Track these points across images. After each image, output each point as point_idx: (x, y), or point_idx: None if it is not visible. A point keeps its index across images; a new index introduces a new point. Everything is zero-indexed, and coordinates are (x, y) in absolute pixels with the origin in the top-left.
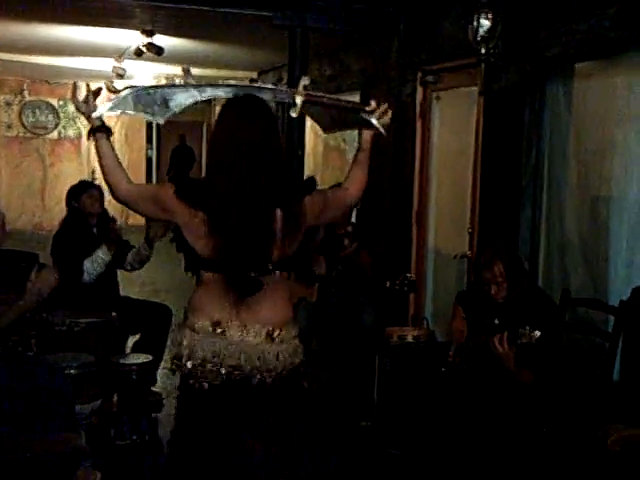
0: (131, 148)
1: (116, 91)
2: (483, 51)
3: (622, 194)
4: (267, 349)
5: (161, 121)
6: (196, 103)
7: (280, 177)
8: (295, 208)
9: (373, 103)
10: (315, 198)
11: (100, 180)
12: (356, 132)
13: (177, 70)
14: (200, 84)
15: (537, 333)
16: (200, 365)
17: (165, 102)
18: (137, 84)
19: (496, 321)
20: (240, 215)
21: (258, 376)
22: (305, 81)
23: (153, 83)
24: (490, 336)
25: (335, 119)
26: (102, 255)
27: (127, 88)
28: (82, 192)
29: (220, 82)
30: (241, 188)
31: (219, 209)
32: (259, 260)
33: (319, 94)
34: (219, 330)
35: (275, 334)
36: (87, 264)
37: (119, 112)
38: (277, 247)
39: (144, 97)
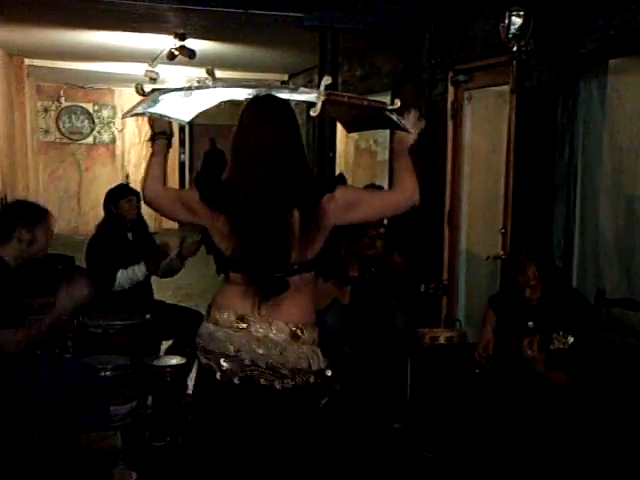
0: None
1: (145, 94)
2: (515, 49)
3: None
4: (289, 347)
5: (185, 121)
6: (220, 104)
7: (297, 178)
8: (312, 209)
9: (398, 102)
10: (341, 194)
11: (134, 184)
12: (387, 133)
13: None
14: (222, 84)
15: (570, 339)
16: (223, 359)
17: (189, 102)
18: (165, 87)
19: (530, 324)
20: (256, 216)
21: (275, 378)
22: (327, 81)
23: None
24: (523, 339)
25: (358, 119)
26: (138, 272)
27: (155, 90)
28: (121, 197)
29: (243, 83)
30: (258, 189)
31: (238, 211)
32: (276, 261)
33: (340, 93)
34: (243, 325)
35: (299, 332)
36: (120, 276)
37: (149, 113)
38: (296, 248)
39: (171, 98)
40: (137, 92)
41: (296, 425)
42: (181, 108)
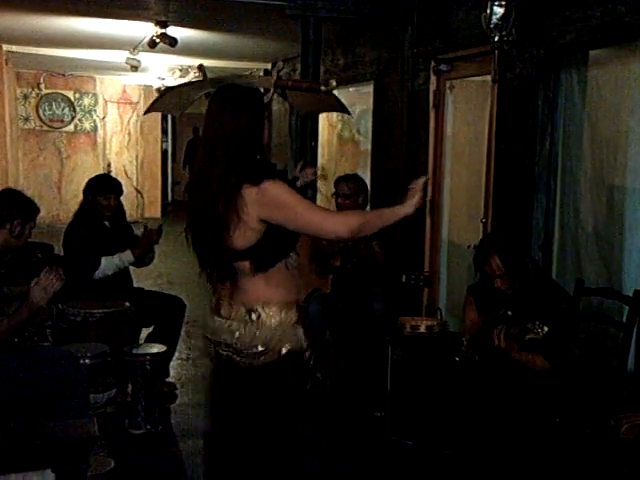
0: (147, 141)
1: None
2: (496, 39)
3: (637, 183)
4: (244, 328)
5: (176, 114)
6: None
7: (231, 166)
8: (229, 196)
9: (333, 82)
10: (270, 189)
11: (115, 172)
12: (370, 124)
13: (191, 61)
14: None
15: (544, 329)
16: (208, 342)
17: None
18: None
19: (509, 312)
20: (193, 203)
21: (236, 356)
22: (279, 67)
23: (168, 75)
24: (502, 326)
25: (309, 103)
26: (124, 259)
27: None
28: (99, 194)
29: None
30: (199, 177)
31: (188, 198)
32: (209, 247)
33: (286, 79)
34: (218, 309)
35: (254, 314)
36: (105, 263)
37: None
38: (229, 236)
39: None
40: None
41: (252, 406)
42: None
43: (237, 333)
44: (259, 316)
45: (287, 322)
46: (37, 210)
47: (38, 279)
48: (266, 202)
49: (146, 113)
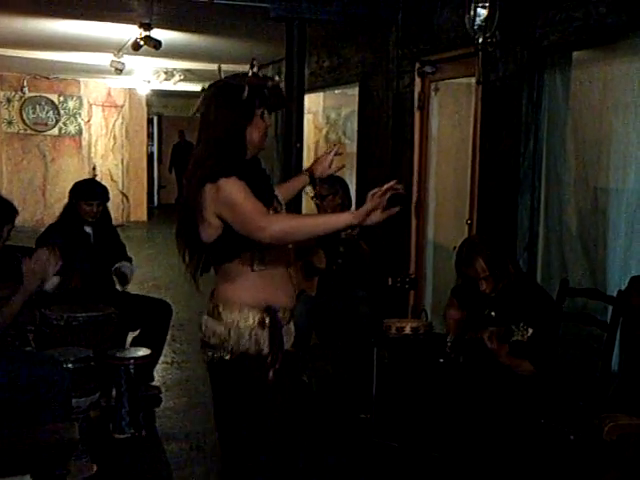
0: (132, 144)
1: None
2: (480, 40)
3: (620, 184)
4: (208, 323)
5: None
6: None
7: (203, 162)
8: (192, 193)
9: (256, 64)
10: (225, 188)
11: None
12: (356, 127)
13: (176, 64)
14: None
15: (529, 330)
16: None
17: None
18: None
19: (493, 314)
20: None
21: (207, 349)
22: (256, 64)
23: (153, 77)
24: (486, 329)
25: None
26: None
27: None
28: (82, 199)
29: None
30: (186, 174)
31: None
32: (185, 240)
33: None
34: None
35: (216, 310)
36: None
37: None
38: (199, 231)
39: None
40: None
41: (220, 402)
42: None
43: (203, 326)
44: (219, 313)
45: (245, 324)
46: (16, 212)
47: (28, 262)
48: (219, 199)
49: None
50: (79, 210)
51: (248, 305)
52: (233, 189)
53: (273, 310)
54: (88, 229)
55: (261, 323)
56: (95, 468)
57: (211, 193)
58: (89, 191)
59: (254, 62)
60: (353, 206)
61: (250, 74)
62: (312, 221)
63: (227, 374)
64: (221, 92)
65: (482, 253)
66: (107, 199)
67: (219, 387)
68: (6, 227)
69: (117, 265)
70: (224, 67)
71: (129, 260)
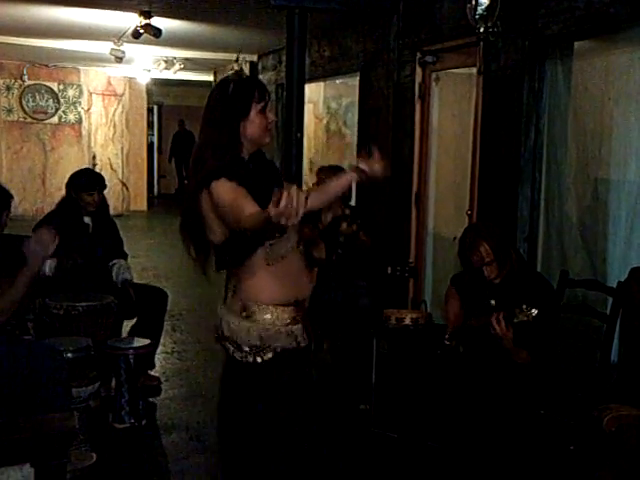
0: (132, 134)
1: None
2: (482, 30)
3: (621, 175)
4: (236, 321)
5: None
6: None
7: (201, 164)
8: (193, 196)
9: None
10: (215, 190)
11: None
12: (356, 117)
13: (176, 53)
14: None
15: (534, 311)
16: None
17: None
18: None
19: (492, 302)
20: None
21: (237, 353)
22: (242, 60)
23: (153, 66)
24: (490, 315)
25: None
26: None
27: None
28: (83, 189)
29: None
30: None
31: None
32: (184, 233)
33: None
34: (225, 297)
35: (246, 311)
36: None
37: None
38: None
39: None
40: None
41: (252, 404)
42: None
43: (232, 325)
44: (253, 313)
45: (280, 321)
46: (11, 197)
47: (29, 243)
48: (214, 202)
49: None
50: (80, 201)
51: (280, 303)
52: (221, 190)
53: (300, 303)
54: (87, 220)
55: (294, 319)
56: (95, 457)
57: (207, 198)
58: (89, 182)
59: (239, 57)
60: (353, 196)
61: (234, 69)
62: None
63: (265, 375)
64: (216, 88)
65: (487, 238)
66: (105, 187)
67: (249, 388)
68: (4, 212)
69: (116, 269)
70: (226, 56)
71: (125, 256)
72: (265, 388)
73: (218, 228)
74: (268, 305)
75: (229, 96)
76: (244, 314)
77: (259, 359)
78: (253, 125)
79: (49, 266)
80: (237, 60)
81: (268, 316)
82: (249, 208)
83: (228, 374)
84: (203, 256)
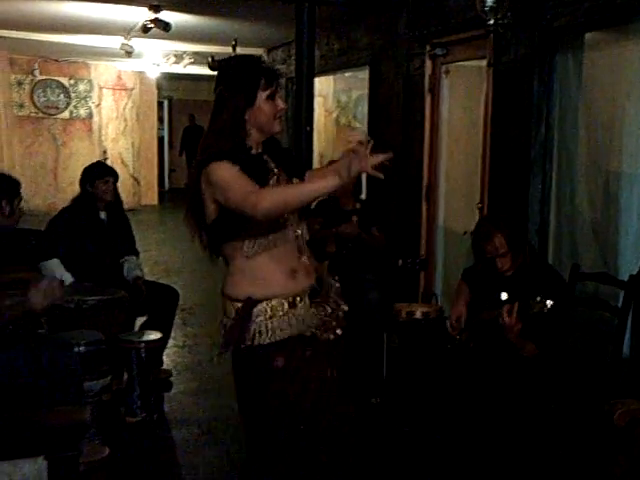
0: (143, 128)
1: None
2: (492, 22)
3: (633, 167)
4: (228, 309)
5: None
6: None
7: (204, 147)
8: (194, 177)
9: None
10: (213, 172)
11: (112, 159)
12: (366, 110)
13: (186, 47)
14: None
15: (549, 302)
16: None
17: None
18: None
19: (504, 296)
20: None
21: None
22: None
23: (162, 60)
24: (503, 307)
25: None
26: (60, 272)
27: None
28: (97, 177)
29: None
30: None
31: None
32: (189, 220)
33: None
34: (224, 284)
35: (231, 304)
36: (56, 263)
37: None
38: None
39: None
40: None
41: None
42: None
43: (225, 316)
44: (224, 306)
45: (228, 317)
46: (19, 184)
47: (39, 284)
48: (212, 183)
49: None
50: (96, 192)
51: (230, 298)
52: (224, 173)
53: (251, 301)
54: (103, 214)
55: (237, 314)
56: (107, 450)
57: (206, 178)
58: (102, 170)
59: (235, 46)
60: (364, 189)
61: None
62: (298, 190)
63: (243, 365)
64: (221, 74)
65: (502, 230)
66: (117, 177)
67: (236, 372)
68: (15, 200)
69: (127, 266)
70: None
71: (136, 254)
72: (254, 375)
73: (210, 208)
74: (228, 298)
75: (234, 83)
76: (231, 305)
77: (242, 348)
78: (260, 113)
79: (67, 280)
80: (234, 49)
81: (228, 309)
82: (253, 197)
83: (232, 359)
84: (206, 242)
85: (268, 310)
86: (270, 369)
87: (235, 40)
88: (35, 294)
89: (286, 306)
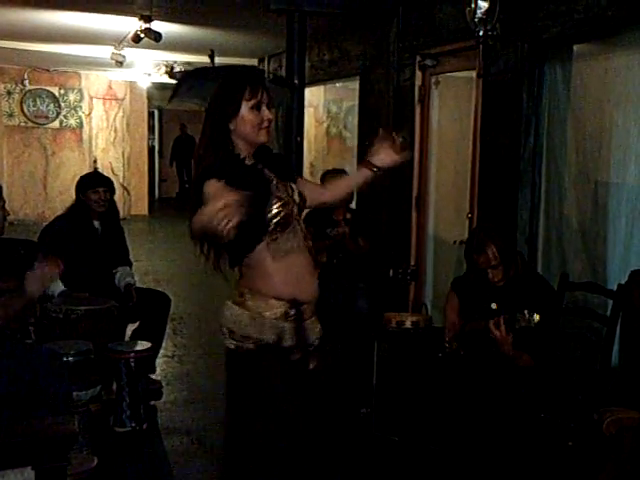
0: (133, 138)
1: (176, 77)
2: (481, 33)
3: (621, 178)
4: (235, 311)
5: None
6: None
7: (197, 157)
8: (194, 193)
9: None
10: (207, 189)
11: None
12: (357, 120)
13: (176, 57)
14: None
15: (536, 317)
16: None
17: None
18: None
19: (493, 306)
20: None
21: (230, 341)
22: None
23: (153, 70)
24: (489, 320)
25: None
26: (53, 287)
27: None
28: (88, 187)
29: None
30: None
31: None
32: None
33: None
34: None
35: (244, 298)
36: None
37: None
38: None
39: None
40: (170, 75)
41: (234, 392)
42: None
43: (225, 310)
44: (246, 299)
45: (270, 314)
46: (0, 187)
47: (32, 270)
48: (207, 198)
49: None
50: (88, 202)
51: (275, 296)
52: (209, 190)
53: (298, 303)
54: (97, 224)
55: (286, 315)
56: (96, 461)
57: (204, 196)
58: (93, 180)
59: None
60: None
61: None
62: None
63: (245, 363)
64: (222, 81)
65: (495, 241)
66: (113, 187)
67: (234, 376)
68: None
69: (119, 275)
70: (226, 61)
71: (129, 264)
72: (242, 379)
73: None
74: (262, 294)
75: (220, 92)
76: (239, 299)
77: (239, 346)
78: (244, 123)
79: (56, 289)
80: (212, 59)
81: (259, 304)
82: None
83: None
84: (214, 252)
85: (307, 311)
86: (268, 373)
87: (212, 51)
88: (31, 282)
89: (312, 310)
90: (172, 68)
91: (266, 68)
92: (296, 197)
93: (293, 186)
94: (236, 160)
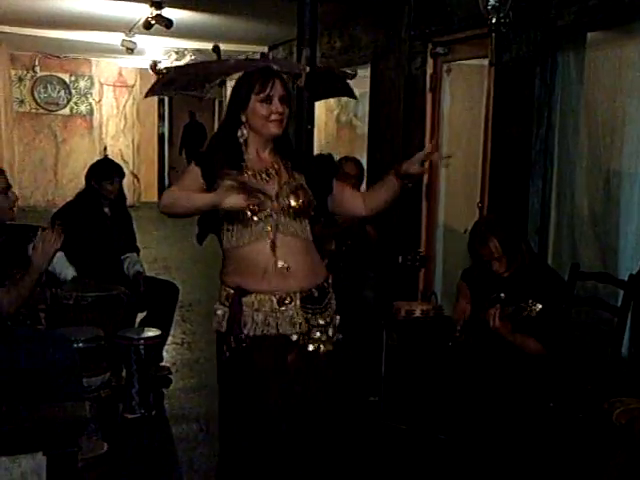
0: (143, 125)
1: (161, 73)
2: (494, 21)
3: (633, 167)
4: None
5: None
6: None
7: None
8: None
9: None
10: None
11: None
12: (367, 108)
13: (187, 44)
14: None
15: (538, 306)
16: None
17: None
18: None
19: (502, 295)
20: None
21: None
22: (307, 52)
23: (164, 57)
24: (497, 306)
25: (323, 88)
26: (66, 271)
27: (171, 69)
28: (105, 178)
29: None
30: None
31: None
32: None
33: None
34: None
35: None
36: (61, 259)
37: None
38: None
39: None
40: (153, 71)
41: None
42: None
43: (218, 301)
44: (223, 291)
45: (219, 300)
46: (2, 170)
47: (35, 243)
48: None
49: (147, 96)
50: (102, 191)
51: (224, 282)
52: (184, 172)
53: (243, 291)
54: (107, 210)
55: (226, 298)
56: (106, 446)
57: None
58: (109, 170)
59: (307, 49)
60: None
61: (305, 60)
62: (185, 197)
63: (231, 358)
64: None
65: (497, 234)
66: (124, 175)
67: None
68: (5, 187)
69: (128, 262)
70: (237, 48)
71: (137, 251)
72: (233, 373)
73: None
74: (221, 281)
75: (235, 86)
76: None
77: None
78: (254, 115)
79: (70, 275)
80: (214, 50)
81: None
82: (172, 188)
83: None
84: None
85: (255, 303)
86: (251, 366)
87: (217, 46)
88: (36, 254)
89: (275, 303)
90: (156, 64)
91: (279, 56)
92: (300, 200)
93: (293, 186)
94: (232, 150)
